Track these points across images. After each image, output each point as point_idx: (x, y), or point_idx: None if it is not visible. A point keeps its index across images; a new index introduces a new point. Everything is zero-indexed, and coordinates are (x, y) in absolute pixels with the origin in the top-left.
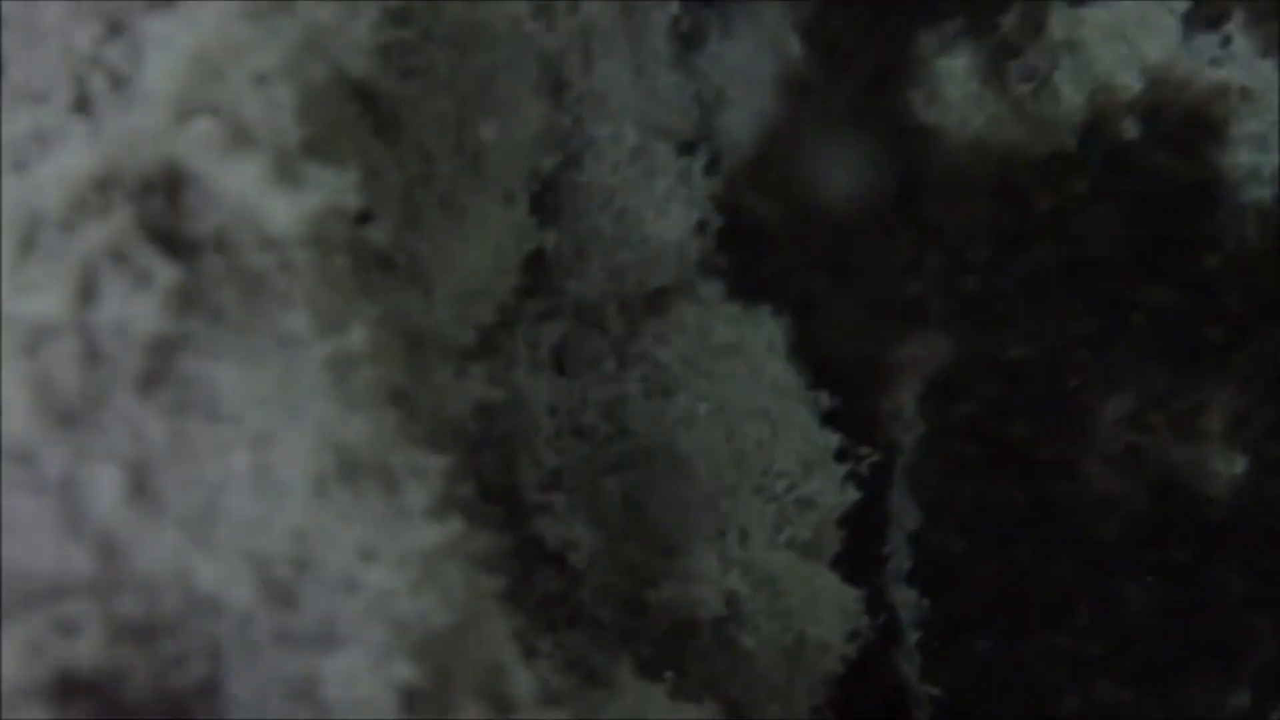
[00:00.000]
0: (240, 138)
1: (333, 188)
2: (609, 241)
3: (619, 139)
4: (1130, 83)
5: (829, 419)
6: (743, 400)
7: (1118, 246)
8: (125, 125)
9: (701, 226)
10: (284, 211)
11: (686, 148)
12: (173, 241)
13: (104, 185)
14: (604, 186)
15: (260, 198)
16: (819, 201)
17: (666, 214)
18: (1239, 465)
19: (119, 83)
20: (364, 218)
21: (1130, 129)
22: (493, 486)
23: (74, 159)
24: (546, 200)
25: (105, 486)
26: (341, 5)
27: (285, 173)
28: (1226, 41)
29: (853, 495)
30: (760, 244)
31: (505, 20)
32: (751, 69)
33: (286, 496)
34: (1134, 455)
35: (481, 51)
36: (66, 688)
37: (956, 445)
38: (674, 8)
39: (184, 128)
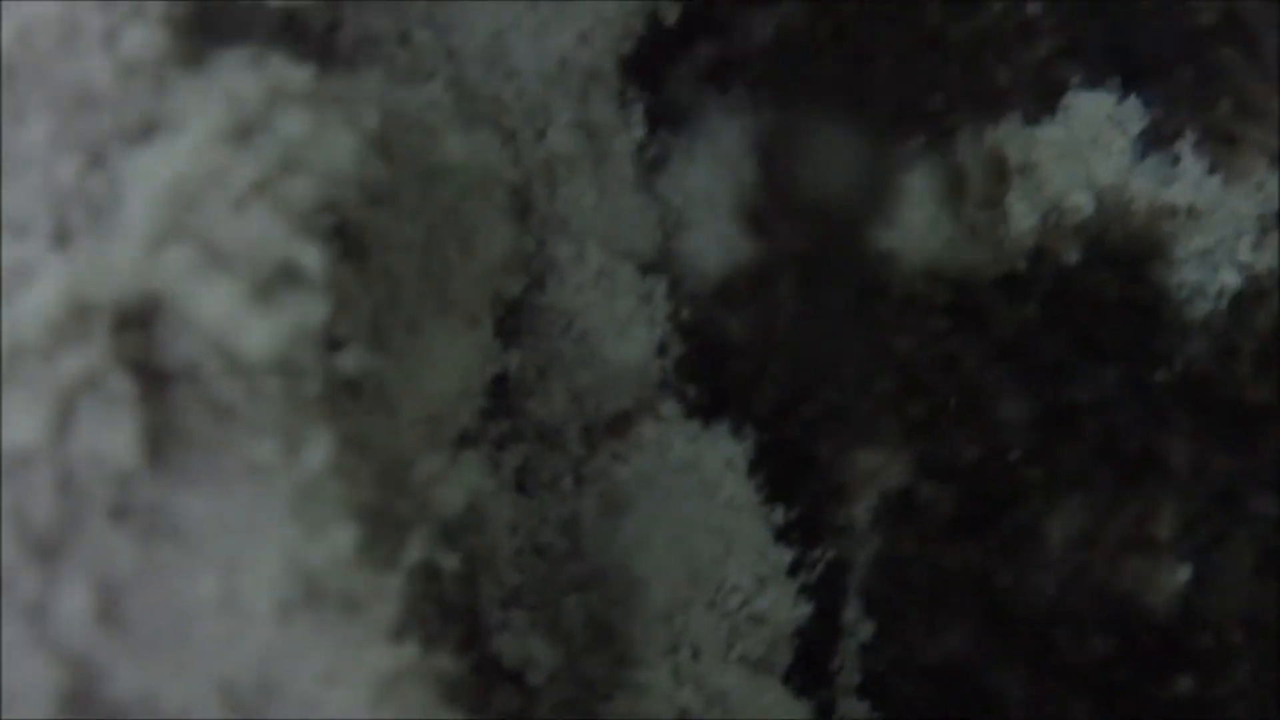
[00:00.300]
0: (216, 261)
1: (307, 309)
2: (570, 363)
3: (582, 261)
4: (1082, 204)
5: (783, 533)
6: (698, 517)
7: (1068, 364)
8: (103, 256)
9: (662, 347)
10: (258, 333)
11: (648, 269)
12: (145, 370)
13: (81, 316)
14: (567, 309)
15: (235, 320)
16: (778, 322)
17: (628, 335)
18: (1183, 574)
19: (98, 214)
20: (334, 344)
21: (1081, 249)
22: (454, 604)
23: (52, 291)
24: (509, 323)
25: (76, 610)
26: (319, 131)
27: (260, 294)
28: (1176, 160)
29: (805, 609)
30: (720, 363)
31: (472, 154)
32: (712, 192)
33: (252, 621)
34: (1084, 570)
35: (448, 179)
36: None
37: (909, 559)
38: (637, 133)
39: (160, 257)
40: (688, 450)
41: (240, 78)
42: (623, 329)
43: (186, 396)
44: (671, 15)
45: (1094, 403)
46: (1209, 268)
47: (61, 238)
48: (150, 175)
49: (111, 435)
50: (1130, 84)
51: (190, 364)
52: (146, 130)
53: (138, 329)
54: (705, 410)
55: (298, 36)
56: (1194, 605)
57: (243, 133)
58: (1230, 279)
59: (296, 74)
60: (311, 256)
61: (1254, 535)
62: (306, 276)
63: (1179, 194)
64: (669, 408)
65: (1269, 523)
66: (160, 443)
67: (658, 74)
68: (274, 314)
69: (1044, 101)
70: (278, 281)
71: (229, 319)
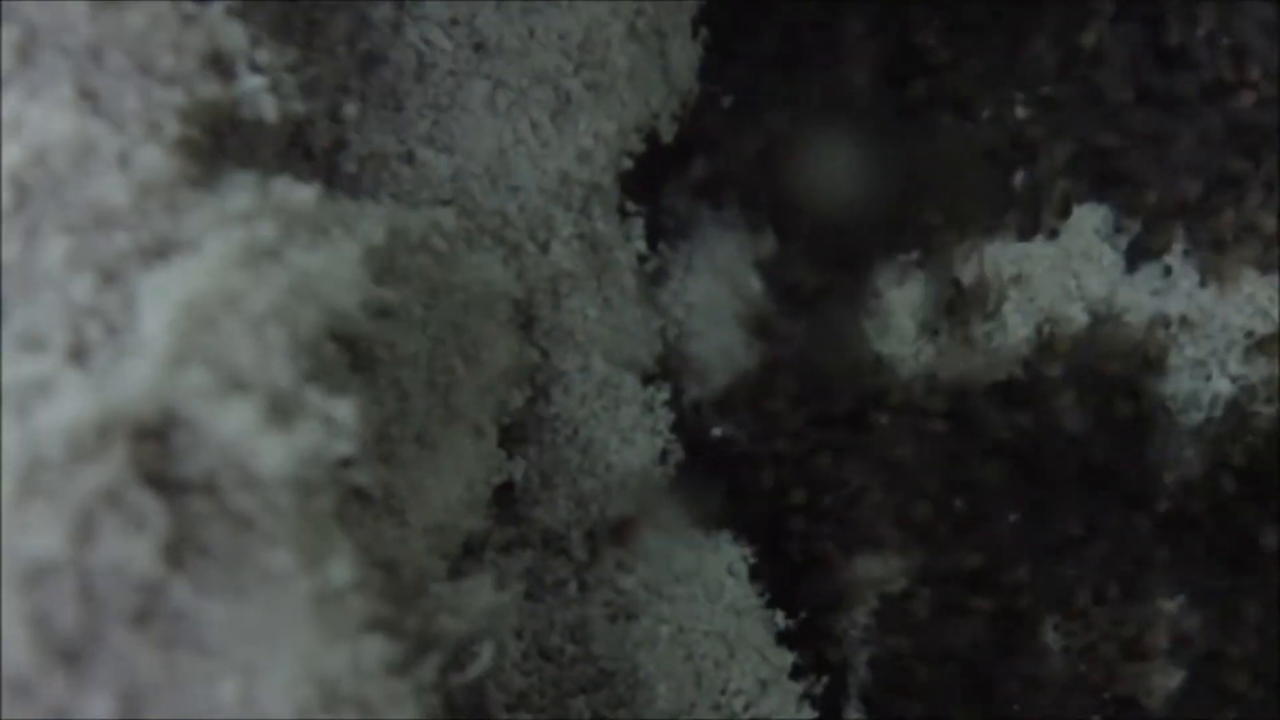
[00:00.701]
0: (233, 383)
1: (325, 432)
2: (575, 471)
3: (586, 372)
4: (1075, 315)
5: (785, 638)
6: (702, 622)
7: (1065, 473)
8: (122, 375)
9: (664, 455)
10: (273, 455)
11: (650, 379)
12: (164, 483)
13: (101, 432)
14: (571, 418)
15: (251, 441)
16: (779, 429)
17: (631, 444)
18: (1177, 679)
19: (115, 331)
20: (346, 459)
21: (1075, 360)
22: (462, 709)
23: (72, 406)
24: (515, 432)
25: (100, 716)
26: (329, 254)
27: (277, 416)
28: (1167, 271)
29: (808, 714)
30: (721, 471)
31: (477, 270)
32: (714, 304)
33: None
34: (1082, 677)
35: (453, 295)
36: None
37: (909, 664)
38: (638, 247)
39: (179, 376)
40: (690, 557)
41: (250, 200)
42: (626, 438)
43: (204, 507)
44: (669, 133)
45: (1091, 516)
46: (1202, 377)
47: (78, 354)
48: (167, 295)
49: (131, 546)
50: (1119, 196)
51: (207, 475)
52: (161, 250)
53: (155, 443)
54: (707, 517)
55: (304, 155)
56: (1188, 708)
57: (257, 258)
58: (1224, 388)
59: (302, 194)
60: (342, 409)
61: (1247, 641)
62: (329, 415)
63: (1171, 305)
64: (672, 515)
65: (1261, 629)
66: (179, 552)
67: (657, 189)
68: (290, 438)
69: (1036, 216)
70: (294, 407)
71: (245, 440)
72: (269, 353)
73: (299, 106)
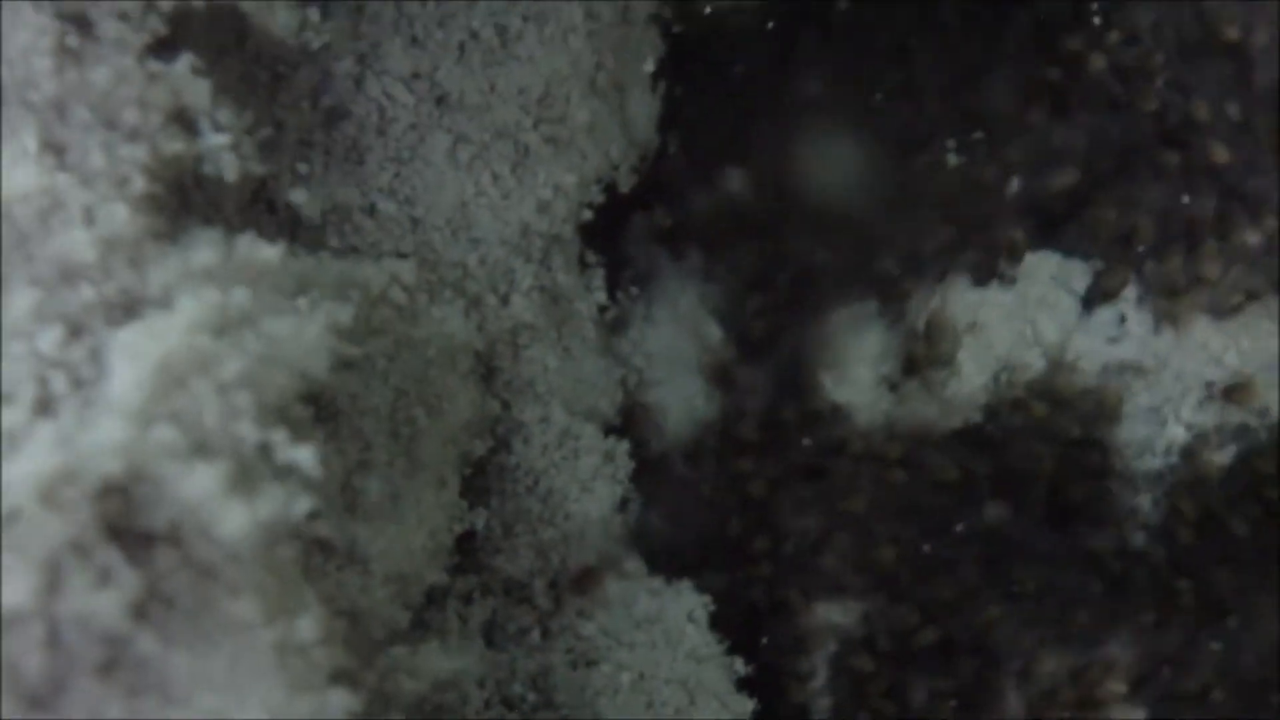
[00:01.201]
0: (200, 445)
1: (288, 496)
2: (536, 520)
3: (547, 422)
4: (1031, 361)
5: (745, 684)
6: (663, 669)
7: (1021, 518)
8: (91, 430)
9: (625, 504)
10: (236, 520)
11: (611, 429)
12: (130, 535)
13: (68, 486)
14: (532, 468)
15: (215, 504)
16: (739, 477)
17: (592, 493)
18: (1140, 715)
19: (80, 385)
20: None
21: (1031, 407)
22: None
23: (41, 459)
24: (477, 482)
25: None
26: (298, 320)
27: (241, 481)
28: (1122, 319)
29: None
30: (682, 519)
31: (438, 323)
32: (674, 353)
33: None
34: None
35: (415, 348)
36: None
37: (868, 708)
38: (599, 297)
39: (147, 435)
40: (651, 604)
41: (214, 256)
42: (587, 487)
43: (169, 559)
44: (629, 184)
45: (1050, 561)
46: (1156, 424)
47: (45, 407)
48: (139, 353)
49: (98, 597)
50: (1073, 243)
51: (172, 528)
52: (128, 305)
53: (122, 496)
54: (668, 565)
55: (267, 208)
56: None
57: (230, 322)
58: (1177, 434)
59: (266, 253)
60: (305, 457)
61: (1206, 681)
62: (292, 473)
63: (1126, 352)
64: (633, 563)
65: (1219, 670)
66: (145, 602)
67: (616, 241)
68: (252, 503)
69: (992, 263)
70: (259, 473)
71: (210, 503)
72: (236, 418)
73: (256, 166)
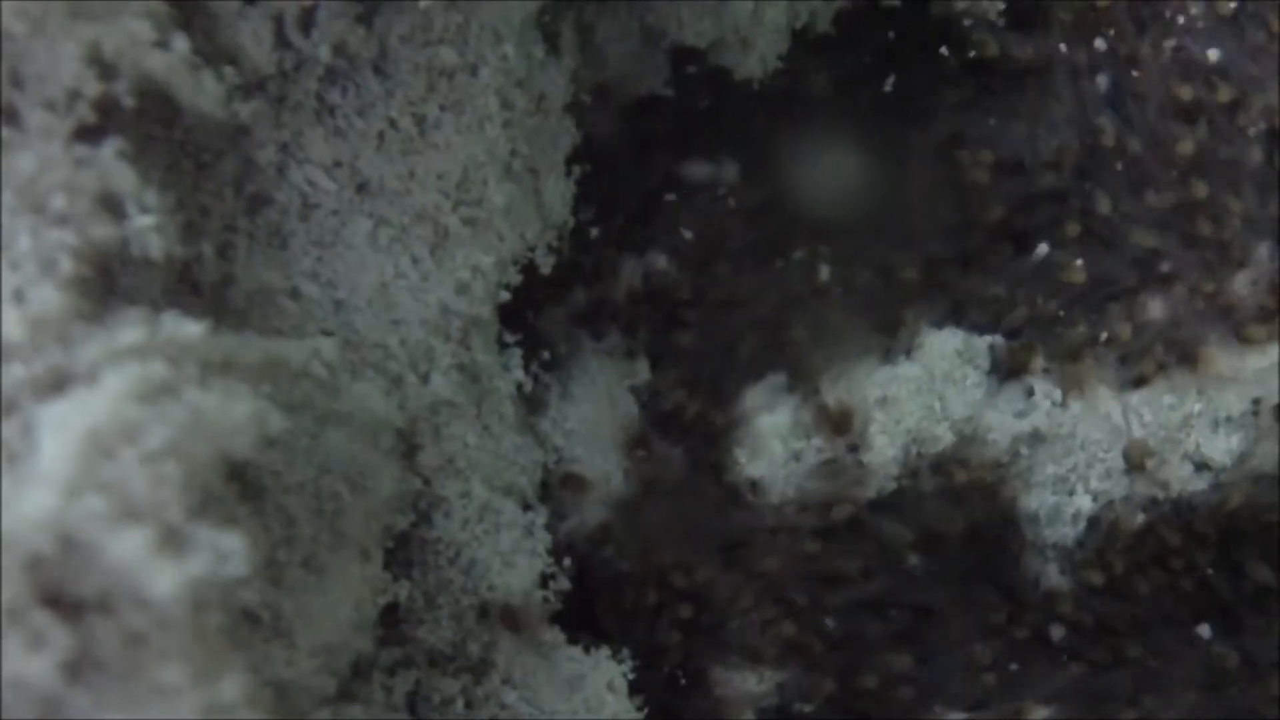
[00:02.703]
0: (127, 512)
1: (215, 559)
2: (458, 592)
3: (467, 497)
4: (940, 435)
5: None
6: None
7: (932, 586)
8: (22, 501)
9: (545, 577)
10: (165, 581)
11: (529, 505)
12: (61, 601)
13: (2, 555)
14: (453, 541)
15: (144, 567)
16: (654, 550)
17: (512, 566)
18: None
19: (13, 459)
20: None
21: (940, 479)
22: None
23: None
24: (400, 555)
25: None
26: (221, 393)
27: (168, 545)
28: (1030, 392)
29: None
30: (600, 590)
31: (360, 401)
32: (591, 430)
33: None
34: None
35: (338, 425)
36: None
37: None
38: (518, 375)
39: (76, 503)
40: (571, 672)
41: (139, 334)
42: (507, 561)
43: (100, 625)
44: (547, 265)
45: (965, 627)
46: (1064, 493)
47: None
48: (67, 426)
49: (32, 661)
50: (975, 320)
51: (102, 595)
52: (56, 382)
53: (53, 564)
54: (587, 635)
55: (191, 290)
56: None
57: (155, 393)
58: (1084, 503)
59: (191, 330)
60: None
61: None
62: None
63: (1033, 424)
64: (553, 634)
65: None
66: (78, 666)
67: (535, 320)
68: (180, 564)
69: (897, 339)
70: (185, 537)
71: (137, 566)
72: (163, 486)
73: (181, 249)
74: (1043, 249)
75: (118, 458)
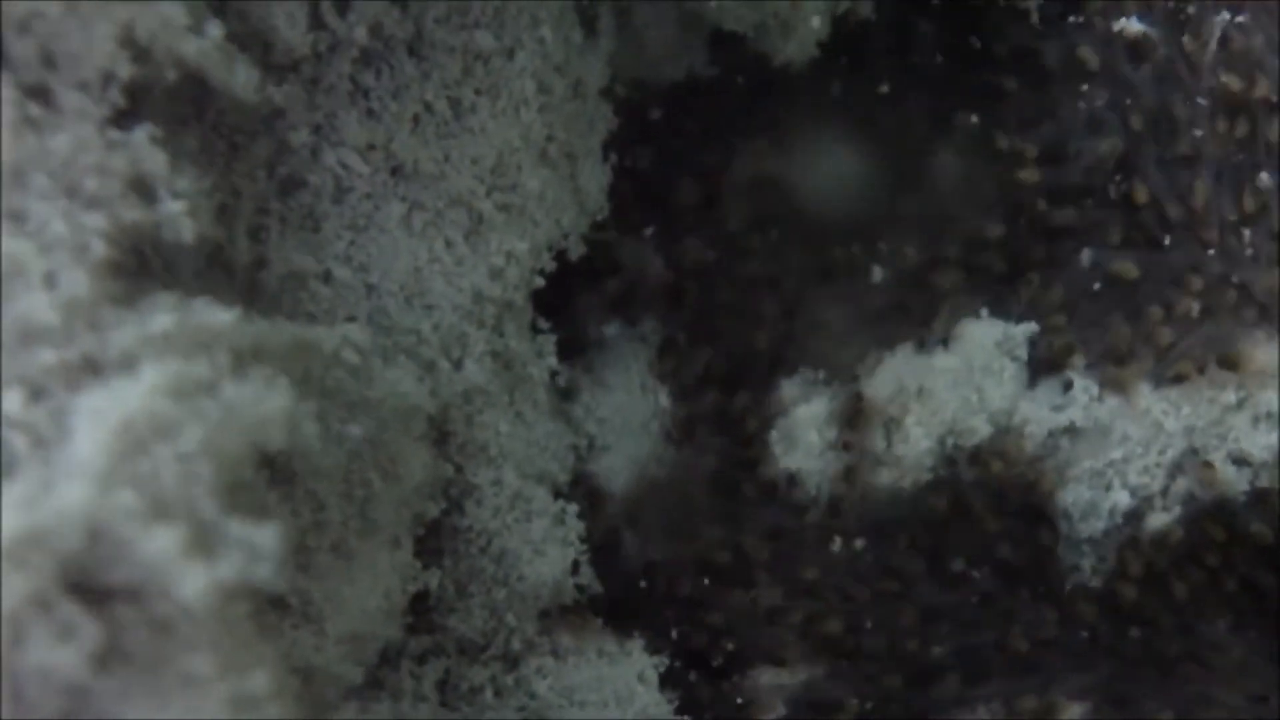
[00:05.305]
0: (159, 509)
1: (245, 560)
2: (489, 581)
3: (499, 485)
4: (977, 427)
5: None
6: None
7: (965, 581)
8: (55, 490)
9: (576, 566)
10: (195, 581)
11: (561, 492)
12: (90, 591)
13: (31, 545)
14: (484, 529)
15: (174, 566)
16: (689, 539)
17: (543, 555)
18: None
19: (43, 446)
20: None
21: (977, 471)
22: None
23: (6, 522)
24: (430, 543)
25: None
26: (256, 387)
27: (199, 545)
28: (1068, 386)
29: None
30: (633, 581)
31: (392, 387)
32: (623, 418)
33: None
34: None
35: (370, 411)
36: None
37: None
38: (551, 362)
39: (108, 496)
40: (602, 664)
41: (171, 320)
42: (539, 549)
43: (128, 614)
44: (578, 252)
45: (1002, 623)
46: (1101, 488)
47: (9, 466)
48: (103, 417)
49: (59, 651)
50: (1015, 310)
51: (130, 584)
52: (89, 368)
53: (83, 554)
54: (619, 626)
55: (224, 273)
56: None
57: (187, 389)
58: (1121, 499)
59: (222, 317)
60: (264, 536)
61: None
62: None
63: (1070, 418)
64: (584, 623)
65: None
66: (105, 657)
67: (569, 307)
68: (210, 566)
69: (936, 329)
70: (216, 537)
71: (167, 565)
72: (196, 484)
73: (214, 231)
74: (1085, 252)
75: (151, 453)
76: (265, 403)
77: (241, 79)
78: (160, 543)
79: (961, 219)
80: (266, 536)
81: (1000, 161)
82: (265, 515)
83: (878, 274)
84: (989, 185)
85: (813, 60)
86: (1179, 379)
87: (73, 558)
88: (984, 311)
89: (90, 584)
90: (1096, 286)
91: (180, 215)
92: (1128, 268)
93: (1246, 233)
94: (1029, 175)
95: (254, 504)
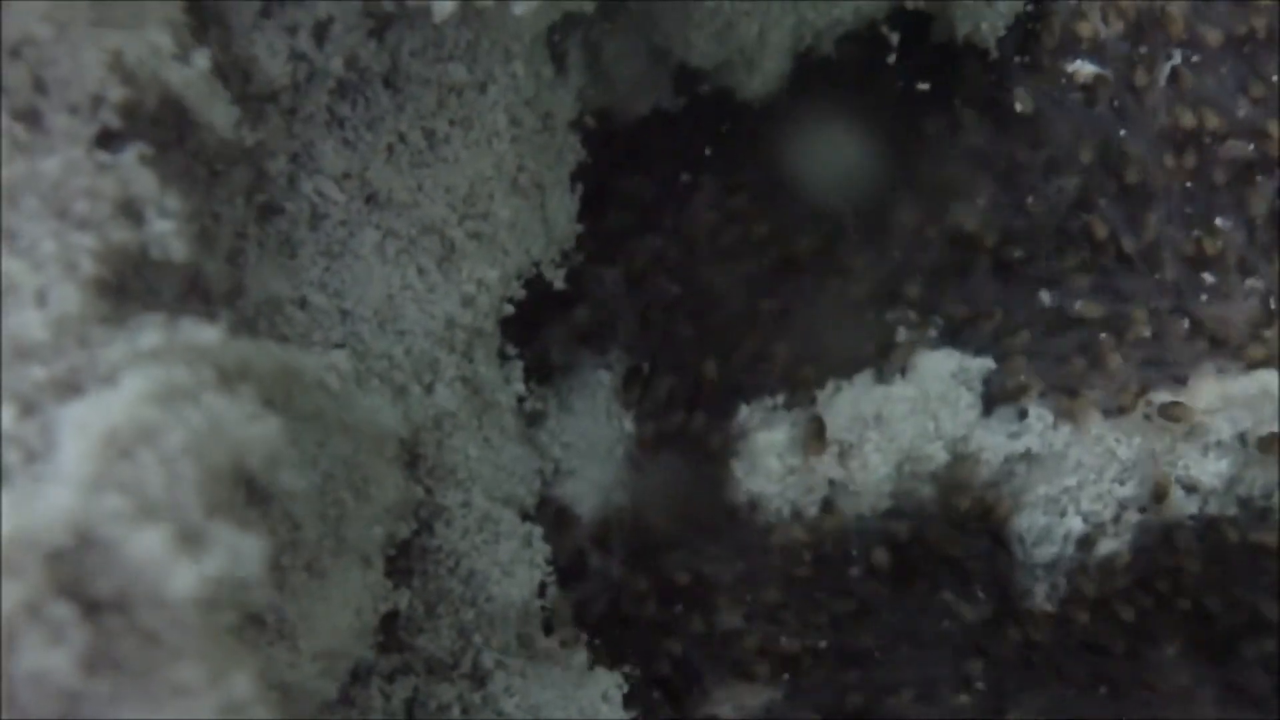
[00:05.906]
0: (145, 511)
1: (234, 557)
2: (457, 601)
3: (468, 507)
4: (934, 454)
5: None
6: None
7: (923, 603)
8: (43, 498)
9: (543, 587)
10: (183, 579)
11: (528, 515)
12: (80, 599)
13: (22, 551)
14: (453, 550)
15: (163, 564)
16: (655, 566)
17: (511, 576)
18: None
19: (33, 457)
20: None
21: (933, 497)
22: None
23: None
24: (400, 564)
25: None
26: (238, 398)
27: (185, 544)
28: (1023, 414)
29: None
30: (596, 601)
31: (366, 410)
32: (588, 443)
33: None
34: None
35: (344, 433)
36: None
37: None
38: (519, 388)
39: (95, 502)
40: (567, 683)
41: (158, 338)
42: (506, 571)
43: (117, 623)
44: (557, 280)
45: (949, 642)
46: (1055, 513)
47: (3, 479)
48: (87, 427)
49: (51, 656)
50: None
51: (119, 594)
52: (76, 384)
53: (72, 561)
54: (583, 645)
55: (202, 299)
56: None
57: (173, 397)
58: (1075, 525)
59: (208, 335)
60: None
61: None
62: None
63: (1026, 444)
64: (549, 643)
65: None
66: (95, 664)
67: (537, 334)
68: (197, 563)
69: (891, 360)
70: (201, 536)
71: (156, 564)
72: (180, 486)
73: (195, 255)
74: (1043, 293)
75: (136, 458)
76: (252, 427)
77: (221, 114)
78: (147, 543)
79: (920, 255)
80: (250, 542)
81: (957, 198)
82: (247, 527)
83: (838, 306)
84: (947, 220)
85: (775, 96)
86: (1130, 407)
87: (63, 562)
88: (941, 344)
89: (81, 593)
90: (1053, 321)
91: (169, 235)
92: (1091, 308)
93: (1204, 271)
94: (974, 219)
95: (235, 514)
